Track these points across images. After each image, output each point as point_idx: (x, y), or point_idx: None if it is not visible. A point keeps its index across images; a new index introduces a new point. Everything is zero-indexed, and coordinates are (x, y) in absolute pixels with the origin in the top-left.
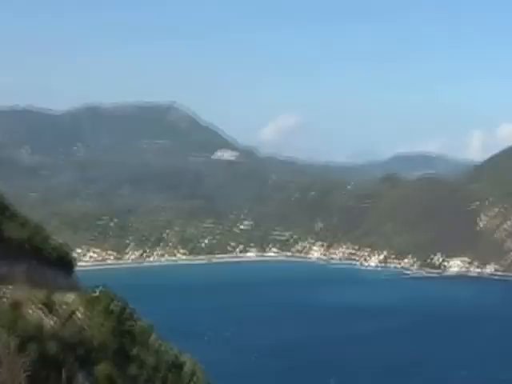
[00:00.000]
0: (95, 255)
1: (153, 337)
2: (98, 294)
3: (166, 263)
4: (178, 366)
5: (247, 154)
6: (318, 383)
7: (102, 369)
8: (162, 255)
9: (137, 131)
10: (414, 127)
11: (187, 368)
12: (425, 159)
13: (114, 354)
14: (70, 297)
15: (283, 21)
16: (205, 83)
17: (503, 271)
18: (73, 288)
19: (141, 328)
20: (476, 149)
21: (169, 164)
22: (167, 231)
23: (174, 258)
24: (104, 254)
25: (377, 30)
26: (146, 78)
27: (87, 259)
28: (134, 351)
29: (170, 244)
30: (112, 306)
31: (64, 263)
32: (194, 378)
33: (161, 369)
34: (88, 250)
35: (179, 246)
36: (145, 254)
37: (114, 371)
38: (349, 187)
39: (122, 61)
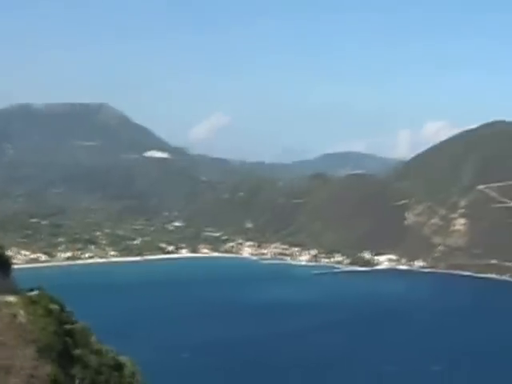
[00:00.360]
0: (25, 256)
1: (93, 338)
2: (36, 295)
3: (97, 262)
4: (119, 367)
5: (178, 153)
6: (249, 381)
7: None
8: (94, 255)
9: (68, 131)
10: (342, 127)
11: (128, 369)
12: (353, 158)
13: (59, 355)
14: (11, 298)
15: (212, 21)
16: (135, 84)
17: (430, 266)
18: (11, 289)
19: (81, 329)
20: (403, 148)
21: (100, 163)
22: (99, 231)
23: (105, 259)
24: (35, 254)
25: (303, 30)
26: (78, 80)
27: (17, 260)
28: (77, 353)
29: (103, 243)
30: (51, 307)
31: (0, 263)
32: (135, 379)
33: (103, 370)
34: (18, 252)
35: (111, 246)
36: (76, 255)
37: (60, 373)
38: (279, 186)
39: (52, 62)
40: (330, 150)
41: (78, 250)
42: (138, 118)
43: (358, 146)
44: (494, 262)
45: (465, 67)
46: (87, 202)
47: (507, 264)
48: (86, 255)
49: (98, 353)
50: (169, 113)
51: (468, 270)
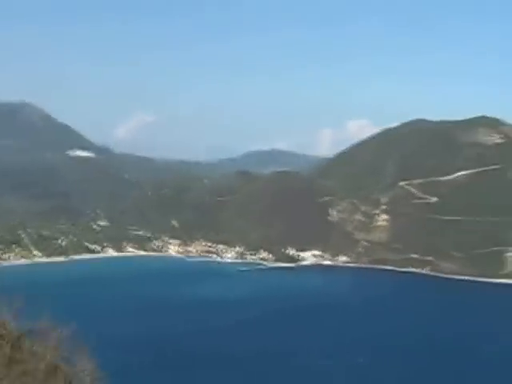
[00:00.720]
0: None
1: (26, 340)
2: None
3: (21, 263)
4: (55, 369)
5: (103, 151)
6: (178, 378)
7: None
8: (18, 256)
9: None
10: (263, 126)
11: (64, 371)
12: (276, 156)
13: None
14: None
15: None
16: (58, 83)
17: (354, 261)
18: None
19: (14, 331)
20: (326, 146)
21: (22, 162)
22: (22, 232)
23: (30, 260)
24: None
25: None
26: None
27: None
28: (14, 356)
29: (27, 244)
30: None
31: None
32: (73, 381)
33: (40, 373)
34: None
35: (35, 246)
36: None
37: None
38: (204, 184)
39: None
40: (252, 148)
41: (1, 251)
42: (61, 117)
43: (281, 145)
44: (414, 256)
45: (385, 72)
46: (8, 202)
47: (426, 258)
48: (9, 256)
49: (34, 355)
50: (93, 111)
51: (390, 265)
